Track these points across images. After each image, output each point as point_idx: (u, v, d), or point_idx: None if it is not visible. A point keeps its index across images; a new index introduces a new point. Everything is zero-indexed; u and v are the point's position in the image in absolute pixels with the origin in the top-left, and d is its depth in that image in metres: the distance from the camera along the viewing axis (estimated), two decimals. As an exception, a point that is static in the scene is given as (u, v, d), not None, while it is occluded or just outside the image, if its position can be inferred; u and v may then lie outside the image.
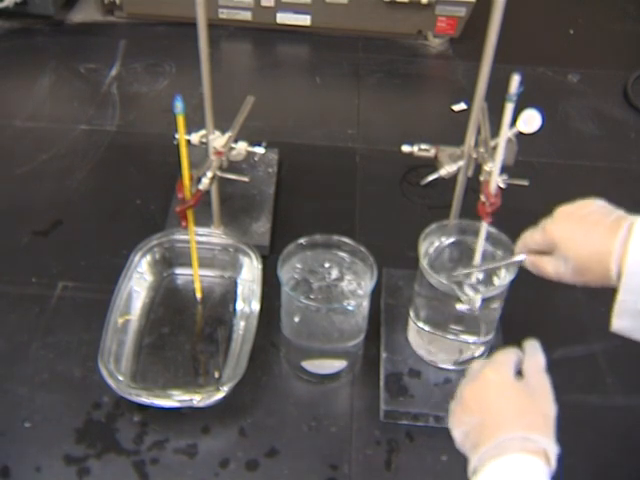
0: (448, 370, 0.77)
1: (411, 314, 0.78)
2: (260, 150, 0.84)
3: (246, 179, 0.83)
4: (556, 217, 0.62)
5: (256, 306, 0.78)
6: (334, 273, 0.75)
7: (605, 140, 1.16)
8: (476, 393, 0.57)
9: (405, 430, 0.73)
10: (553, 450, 0.52)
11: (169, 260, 0.86)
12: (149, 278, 0.85)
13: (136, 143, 1.10)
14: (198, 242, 0.81)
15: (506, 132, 0.64)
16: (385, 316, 0.82)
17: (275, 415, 0.74)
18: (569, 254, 0.59)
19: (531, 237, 0.64)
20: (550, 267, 0.62)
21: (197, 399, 0.70)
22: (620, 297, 0.56)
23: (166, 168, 0.99)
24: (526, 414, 0.54)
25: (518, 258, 0.66)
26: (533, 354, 0.60)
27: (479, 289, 0.72)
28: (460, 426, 0.56)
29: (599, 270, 0.57)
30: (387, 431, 0.73)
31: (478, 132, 0.77)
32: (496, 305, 0.73)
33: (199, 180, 0.77)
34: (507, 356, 0.59)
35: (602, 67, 1.34)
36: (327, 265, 0.76)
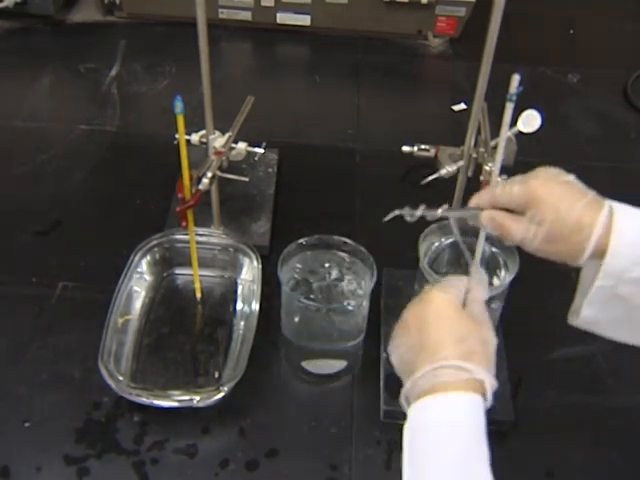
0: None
1: (411, 314, 0.78)
2: (260, 150, 0.84)
3: (246, 179, 0.83)
4: (540, 176, 0.57)
5: (256, 306, 0.78)
6: (334, 273, 0.75)
7: (605, 140, 1.16)
8: (418, 313, 0.56)
9: (405, 430, 0.73)
10: (490, 382, 0.51)
11: (169, 260, 0.86)
12: (149, 278, 0.85)
13: (136, 143, 1.10)
14: (198, 242, 0.81)
15: (506, 132, 0.64)
16: (385, 316, 0.82)
17: (275, 415, 0.74)
18: (547, 216, 0.54)
19: (506, 190, 0.57)
20: (516, 227, 0.56)
21: (197, 399, 0.70)
22: (599, 282, 0.53)
23: (166, 168, 0.99)
24: (465, 340, 0.53)
25: (477, 212, 0.60)
26: (478, 286, 0.59)
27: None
28: (398, 348, 0.56)
29: (575, 241, 0.53)
30: (387, 431, 0.73)
31: (478, 132, 0.77)
32: (496, 305, 0.73)
33: (199, 180, 0.77)
34: (458, 282, 0.58)
35: (602, 67, 1.34)
36: (327, 265, 0.76)
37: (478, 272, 0.60)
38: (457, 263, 0.76)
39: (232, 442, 0.72)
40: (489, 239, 0.72)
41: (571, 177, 0.57)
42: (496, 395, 0.73)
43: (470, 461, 0.49)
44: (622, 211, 0.54)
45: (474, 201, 0.60)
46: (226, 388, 0.70)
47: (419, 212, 0.63)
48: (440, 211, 0.63)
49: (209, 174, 0.78)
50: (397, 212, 0.62)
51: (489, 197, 0.59)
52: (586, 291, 0.56)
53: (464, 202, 0.81)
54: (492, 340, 0.55)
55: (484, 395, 0.52)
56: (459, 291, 0.58)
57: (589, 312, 0.56)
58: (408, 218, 0.63)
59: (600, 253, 0.53)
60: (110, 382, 0.70)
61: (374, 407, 0.75)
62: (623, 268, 0.52)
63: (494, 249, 0.73)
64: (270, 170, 1.02)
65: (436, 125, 1.18)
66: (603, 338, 0.83)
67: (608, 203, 0.54)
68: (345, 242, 0.76)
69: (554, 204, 0.54)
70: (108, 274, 0.82)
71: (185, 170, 0.73)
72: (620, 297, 0.54)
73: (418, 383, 0.53)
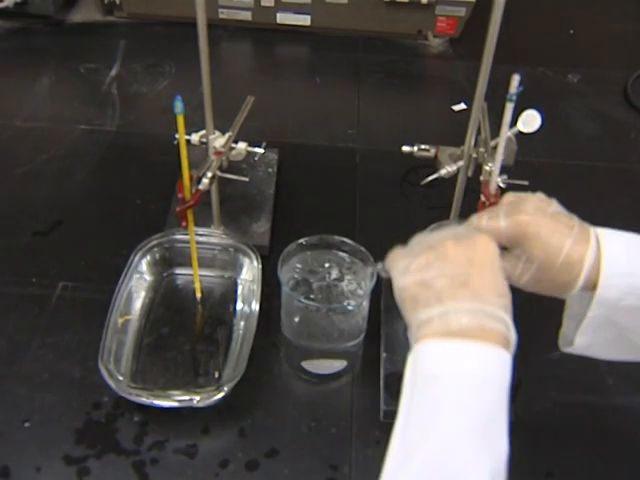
0: (448, 370, 0.77)
1: (411, 314, 0.78)
2: (260, 150, 0.84)
3: (246, 179, 0.83)
4: (527, 209, 0.54)
5: (256, 306, 0.78)
6: (334, 273, 0.75)
7: (605, 140, 1.16)
8: (462, 247, 0.51)
9: (405, 430, 0.73)
10: (514, 346, 0.49)
11: (169, 260, 0.86)
12: (149, 278, 0.85)
13: (136, 143, 1.10)
14: (198, 242, 0.81)
15: (506, 132, 0.64)
16: (385, 316, 0.82)
17: (275, 415, 0.74)
18: (537, 254, 0.52)
19: (492, 225, 0.54)
20: (504, 263, 0.54)
21: (197, 399, 0.70)
22: (592, 313, 0.52)
23: (166, 168, 0.99)
24: (505, 295, 0.50)
25: None
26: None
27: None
28: (424, 271, 0.51)
29: (564, 278, 0.52)
30: (387, 431, 0.73)
31: (478, 132, 0.77)
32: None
33: (199, 180, 0.77)
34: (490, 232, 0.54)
35: (602, 67, 1.34)
36: (327, 265, 0.76)
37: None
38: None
39: (232, 442, 0.72)
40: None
41: (554, 204, 0.56)
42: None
43: (492, 426, 0.46)
44: (609, 240, 0.52)
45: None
46: (226, 388, 0.70)
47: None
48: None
49: (209, 174, 0.78)
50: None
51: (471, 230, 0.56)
52: (576, 318, 0.55)
53: (464, 202, 0.81)
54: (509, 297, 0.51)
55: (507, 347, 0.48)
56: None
57: (583, 340, 0.55)
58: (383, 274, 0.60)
59: (590, 285, 0.52)
60: (110, 382, 0.70)
61: (374, 407, 0.75)
62: (616, 298, 0.51)
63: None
64: (270, 170, 1.02)
65: (436, 125, 1.18)
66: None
67: (594, 234, 0.52)
68: (345, 242, 0.76)
69: (543, 242, 0.52)
70: (108, 274, 0.82)
71: (185, 170, 0.73)
72: (614, 322, 0.53)
73: (448, 318, 0.47)
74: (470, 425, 0.45)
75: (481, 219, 0.55)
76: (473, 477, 0.43)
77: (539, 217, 0.53)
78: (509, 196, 0.57)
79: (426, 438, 0.45)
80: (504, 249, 0.55)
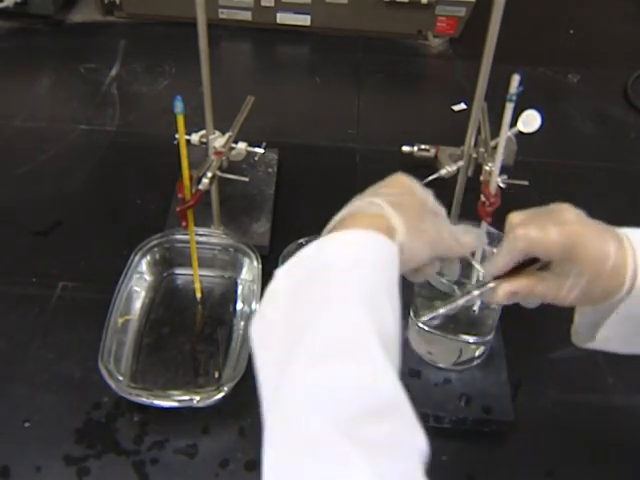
0: (448, 370, 0.77)
1: (411, 314, 0.78)
2: (260, 150, 0.84)
3: (246, 179, 0.83)
4: (570, 219, 0.50)
5: (256, 306, 0.78)
6: (334, 273, 0.75)
7: (605, 140, 1.16)
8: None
9: (405, 430, 0.73)
10: (404, 237, 0.48)
11: (169, 260, 0.86)
12: (149, 278, 0.85)
13: (136, 143, 1.10)
14: (198, 242, 0.81)
15: (506, 132, 0.64)
16: (385, 316, 0.82)
17: (275, 415, 0.74)
18: (588, 265, 0.49)
19: (542, 235, 0.49)
20: (544, 288, 0.51)
21: (197, 399, 0.70)
22: (623, 310, 0.51)
23: (166, 168, 0.99)
24: (399, 196, 0.51)
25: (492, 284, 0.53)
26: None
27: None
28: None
29: (613, 284, 0.50)
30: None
31: (478, 132, 0.77)
32: (496, 305, 0.73)
33: (199, 180, 0.77)
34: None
35: (602, 67, 1.34)
36: (327, 265, 0.76)
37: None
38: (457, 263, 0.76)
39: (232, 442, 0.72)
40: (489, 239, 0.72)
41: (582, 213, 0.52)
42: (496, 395, 0.74)
43: (377, 299, 0.44)
44: (636, 238, 0.51)
45: (493, 269, 0.53)
46: (226, 388, 0.70)
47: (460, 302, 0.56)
48: (462, 301, 0.55)
49: (209, 174, 0.78)
50: (441, 311, 0.57)
51: (518, 251, 0.51)
52: (594, 314, 0.54)
53: (464, 202, 0.81)
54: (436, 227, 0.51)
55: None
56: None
57: (605, 334, 0.54)
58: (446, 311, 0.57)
59: (631, 285, 0.50)
60: (110, 382, 0.70)
61: (374, 407, 0.74)
62: None
63: (494, 249, 0.73)
64: (270, 170, 1.02)
65: (436, 125, 1.18)
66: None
67: (626, 238, 0.50)
68: (345, 242, 0.76)
69: (595, 250, 0.49)
70: (108, 274, 0.82)
71: (185, 170, 0.73)
72: (637, 316, 0.52)
73: (330, 223, 0.49)
74: (355, 299, 0.43)
75: (528, 229, 0.50)
76: (362, 341, 0.41)
77: (585, 225, 0.50)
78: (517, 216, 0.53)
79: (317, 315, 0.43)
80: (540, 267, 0.52)
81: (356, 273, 0.44)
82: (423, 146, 0.82)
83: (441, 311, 0.56)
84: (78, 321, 0.82)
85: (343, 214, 0.50)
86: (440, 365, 0.77)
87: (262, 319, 0.46)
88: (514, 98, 0.61)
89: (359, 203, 0.50)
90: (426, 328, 0.76)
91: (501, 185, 0.71)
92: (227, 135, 0.82)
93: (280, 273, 0.47)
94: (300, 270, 0.47)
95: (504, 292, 0.53)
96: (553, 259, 0.51)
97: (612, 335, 0.55)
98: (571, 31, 1.46)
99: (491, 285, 0.53)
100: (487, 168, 0.72)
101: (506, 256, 0.52)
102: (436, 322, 0.63)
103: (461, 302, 0.55)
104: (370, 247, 0.46)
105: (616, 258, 0.49)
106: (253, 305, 0.78)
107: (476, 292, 0.54)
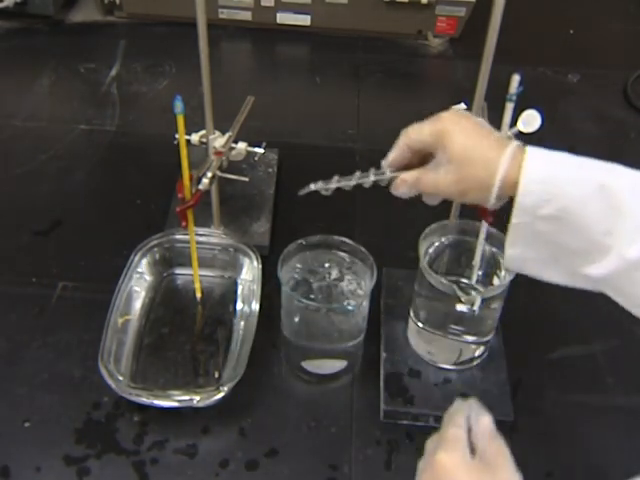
0: (448, 370, 0.77)
1: (411, 314, 0.78)
2: (260, 150, 0.84)
3: (246, 179, 0.83)
4: (449, 112, 0.59)
5: (256, 306, 0.78)
6: (334, 273, 0.75)
7: (605, 140, 1.16)
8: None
9: (405, 430, 0.73)
10: None
11: (169, 260, 0.86)
12: (149, 278, 0.85)
13: (136, 143, 1.10)
14: (198, 242, 0.81)
15: (506, 132, 0.64)
16: (385, 316, 0.82)
17: (275, 415, 0.74)
18: (456, 151, 0.55)
19: (416, 129, 0.59)
20: (431, 176, 0.58)
21: (197, 399, 0.70)
22: (514, 219, 0.53)
23: (166, 168, 0.99)
24: None
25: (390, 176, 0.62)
26: (478, 418, 0.54)
27: (479, 289, 0.72)
28: None
29: (482, 176, 0.54)
30: (387, 431, 0.73)
31: (478, 132, 0.77)
32: (496, 305, 0.74)
33: (199, 180, 0.77)
34: (457, 431, 0.53)
35: (602, 67, 1.34)
36: (327, 265, 0.76)
37: (471, 405, 0.56)
38: (457, 263, 0.76)
39: (232, 442, 0.72)
40: (489, 239, 0.72)
41: (480, 119, 0.59)
42: (496, 395, 0.74)
43: None
44: (533, 151, 0.54)
45: (387, 162, 0.62)
46: (226, 388, 0.70)
47: (333, 184, 0.65)
48: (354, 181, 0.64)
49: (209, 174, 0.78)
50: (312, 187, 0.65)
51: (402, 145, 0.61)
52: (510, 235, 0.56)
53: (464, 204, 0.81)
54: (513, 477, 0.51)
55: None
56: (462, 444, 0.53)
57: (513, 251, 0.56)
58: (323, 192, 0.65)
59: (512, 194, 0.53)
60: (110, 382, 0.70)
61: (374, 407, 0.75)
62: (534, 205, 0.52)
63: (494, 249, 0.73)
64: (270, 170, 1.02)
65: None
66: (603, 338, 0.83)
67: (515, 142, 0.55)
68: (345, 242, 0.76)
69: (462, 138, 0.55)
70: (108, 274, 0.82)
71: (185, 170, 0.73)
72: (540, 234, 0.54)
73: None
74: None
75: (409, 128, 0.60)
76: None
77: (460, 116, 0.58)
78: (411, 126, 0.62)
79: None
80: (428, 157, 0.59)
81: None
82: (423, 146, 0.82)
83: (332, 186, 0.65)
84: (78, 321, 0.82)
85: None
86: (440, 365, 0.77)
87: None
88: (514, 98, 0.61)
89: None
90: (426, 328, 0.76)
91: (501, 185, 0.71)
92: (227, 135, 0.82)
93: None
94: None
95: (398, 180, 0.61)
96: (430, 149, 0.58)
97: (523, 255, 0.56)
98: (571, 31, 1.46)
99: (388, 175, 0.62)
100: (487, 168, 0.72)
101: (395, 150, 0.62)
102: (326, 193, 0.66)
103: (354, 181, 0.65)
104: None
105: (488, 151, 0.54)
106: (253, 305, 0.78)
107: (372, 177, 0.63)
